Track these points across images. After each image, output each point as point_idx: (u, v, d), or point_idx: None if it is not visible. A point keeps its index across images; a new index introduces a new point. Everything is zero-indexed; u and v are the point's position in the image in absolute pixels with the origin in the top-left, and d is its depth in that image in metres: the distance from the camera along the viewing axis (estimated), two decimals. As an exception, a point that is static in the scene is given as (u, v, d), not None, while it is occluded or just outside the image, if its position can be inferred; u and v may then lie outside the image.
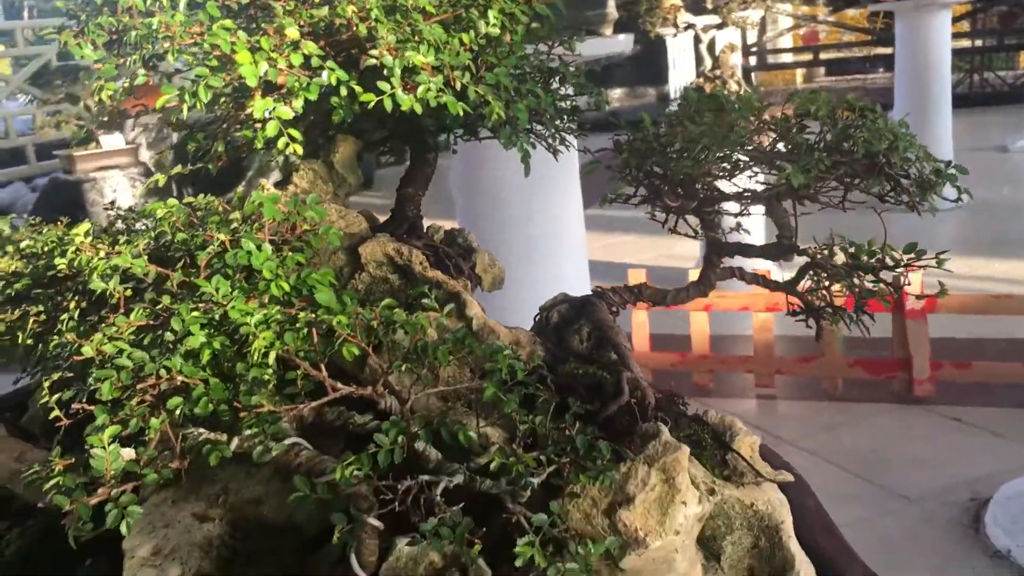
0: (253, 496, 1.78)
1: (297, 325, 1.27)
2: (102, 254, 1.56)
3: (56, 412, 1.33)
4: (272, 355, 1.25)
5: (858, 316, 1.56)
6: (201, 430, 1.32)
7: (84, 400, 1.32)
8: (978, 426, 4.72)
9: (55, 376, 1.34)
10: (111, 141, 9.19)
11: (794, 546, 1.40)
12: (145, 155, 10.00)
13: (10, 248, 1.77)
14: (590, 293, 1.67)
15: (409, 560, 1.32)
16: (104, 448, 1.18)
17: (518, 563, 1.25)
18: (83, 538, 1.34)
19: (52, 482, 1.21)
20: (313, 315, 1.29)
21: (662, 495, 1.30)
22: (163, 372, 1.26)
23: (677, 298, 1.67)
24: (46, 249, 1.77)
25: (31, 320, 1.60)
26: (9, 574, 1.87)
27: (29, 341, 1.63)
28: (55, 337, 1.40)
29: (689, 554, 1.34)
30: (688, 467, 1.31)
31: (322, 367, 1.28)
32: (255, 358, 1.24)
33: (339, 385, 1.29)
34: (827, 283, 1.60)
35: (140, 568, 1.64)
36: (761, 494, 1.42)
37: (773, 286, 1.66)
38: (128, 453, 1.22)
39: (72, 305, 1.54)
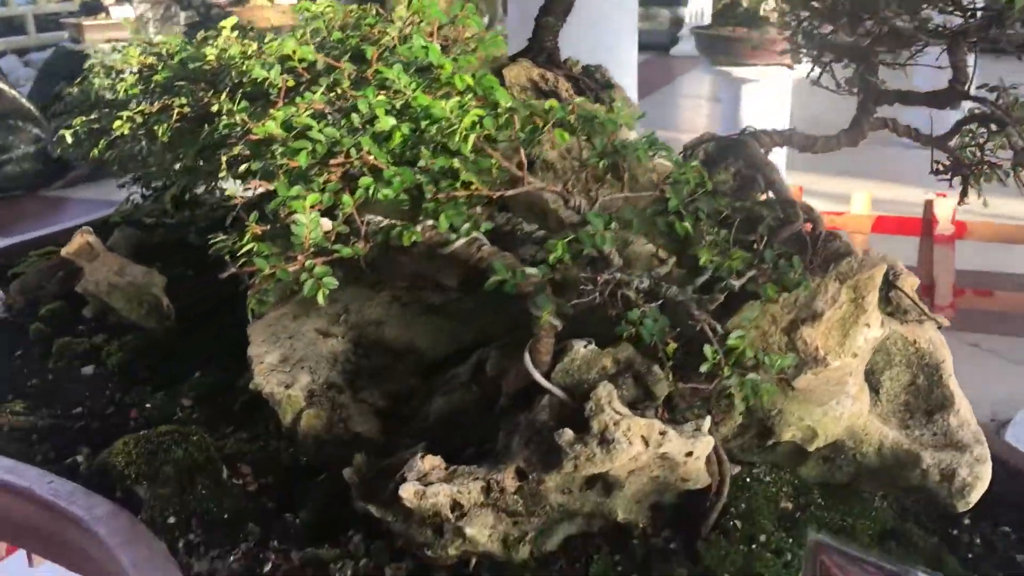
0: (374, 318, 1.77)
1: (498, 110, 1.23)
2: (254, 47, 1.52)
3: (231, 191, 1.29)
4: (471, 140, 1.21)
5: (1015, 174, 1.55)
6: (379, 218, 1.29)
7: (261, 177, 1.29)
8: (997, 353, 4.77)
9: (235, 151, 1.30)
10: (121, 12, 8.96)
11: (953, 384, 1.40)
12: (151, 31, 9.76)
13: (142, 45, 1.72)
14: (739, 132, 1.64)
15: (583, 363, 1.31)
16: (306, 214, 1.15)
17: (703, 368, 1.24)
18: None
19: (246, 248, 1.17)
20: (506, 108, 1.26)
21: (847, 315, 1.30)
22: (354, 151, 1.23)
23: (828, 145, 1.65)
24: (177, 50, 1.71)
25: (175, 112, 1.55)
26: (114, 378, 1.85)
27: (166, 138, 1.59)
28: (223, 118, 1.35)
29: (859, 379, 1.34)
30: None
31: (521, 153, 1.25)
32: (456, 140, 1.21)
33: (532, 179, 1.27)
34: (984, 139, 1.58)
35: (270, 373, 1.62)
36: (923, 332, 1.42)
37: (924, 140, 1.64)
38: (327, 223, 1.19)
39: (223, 97, 1.49)
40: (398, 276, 1.83)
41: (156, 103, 1.58)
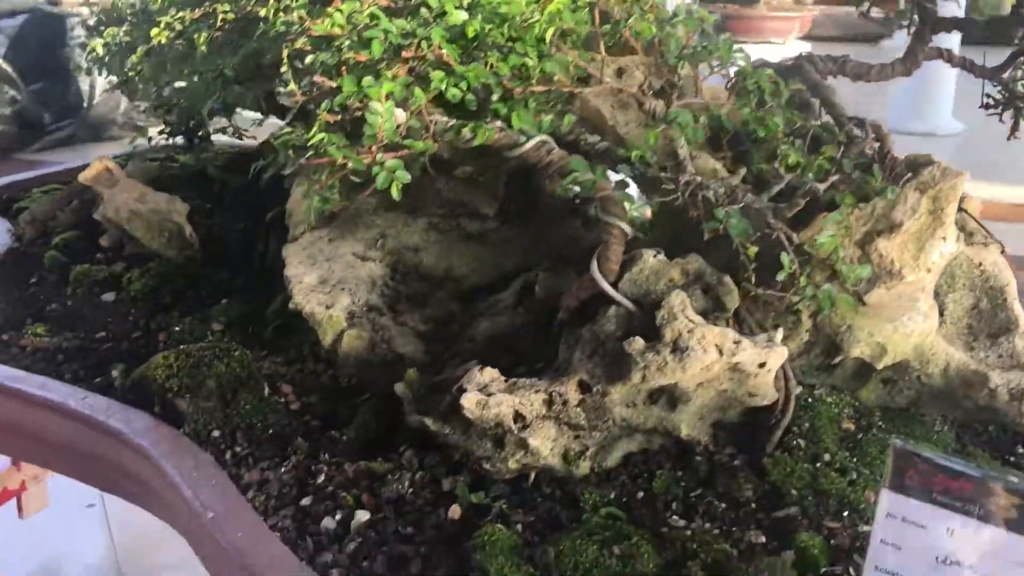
0: (411, 244, 1.73)
1: (578, 3, 1.19)
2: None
3: (293, 86, 1.24)
4: (550, 33, 1.17)
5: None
6: (446, 118, 1.24)
7: (322, 72, 1.24)
8: None
9: (297, 43, 1.25)
10: (101, -24, 8.77)
11: (1018, 308, 1.38)
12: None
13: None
14: (794, 58, 1.61)
15: (652, 273, 1.28)
16: (382, 103, 1.10)
17: (779, 277, 1.21)
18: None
19: (316, 138, 1.13)
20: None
21: (924, 227, 1.27)
22: (424, 45, 1.18)
23: (882, 74, 1.62)
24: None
25: (217, 19, 1.49)
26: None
27: (205, 46, 1.53)
28: (279, 15, 1.30)
29: (931, 297, 1.32)
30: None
31: (601, 45, 1.21)
32: (532, 36, 1.16)
33: (608, 80, 1.23)
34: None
35: (310, 293, 1.58)
36: (988, 255, 1.40)
37: (979, 72, 1.62)
38: (401, 114, 1.14)
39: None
40: (435, 204, 1.79)
41: (197, 10, 1.53)
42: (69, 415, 1.45)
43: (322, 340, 1.54)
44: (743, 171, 1.33)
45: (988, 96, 1.67)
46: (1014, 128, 1.65)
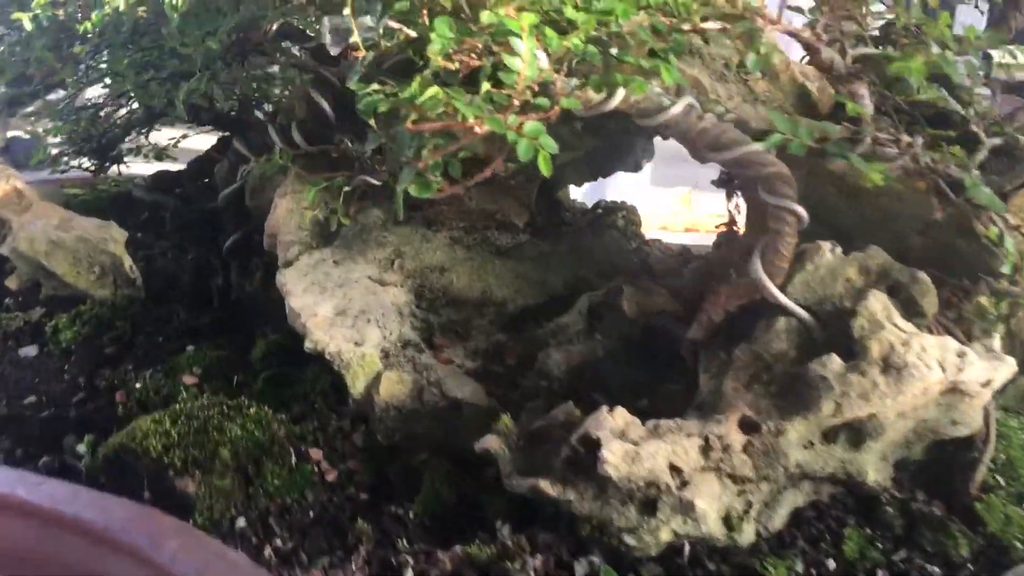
0: (435, 263, 1.39)
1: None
2: None
3: (356, 36, 0.91)
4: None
5: None
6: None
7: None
8: None
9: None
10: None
11: None
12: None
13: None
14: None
15: (828, 273, 1.00)
16: (525, 38, 0.78)
17: (1004, 268, 0.95)
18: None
19: (428, 94, 0.79)
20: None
21: None
22: None
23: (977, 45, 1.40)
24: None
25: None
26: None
27: (185, 6, 1.17)
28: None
29: None
30: None
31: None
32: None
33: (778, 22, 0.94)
34: None
35: (330, 328, 1.22)
36: None
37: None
38: (544, 59, 0.82)
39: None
40: (456, 215, 1.46)
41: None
42: (19, 511, 1.04)
43: (350, 387, 1.18)
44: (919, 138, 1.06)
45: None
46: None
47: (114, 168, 1.99)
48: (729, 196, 1.34)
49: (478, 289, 1.38)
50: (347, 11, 0.89)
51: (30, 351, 1.45)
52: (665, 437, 0.96)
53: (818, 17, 1.07)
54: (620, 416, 0.98)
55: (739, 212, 1.36)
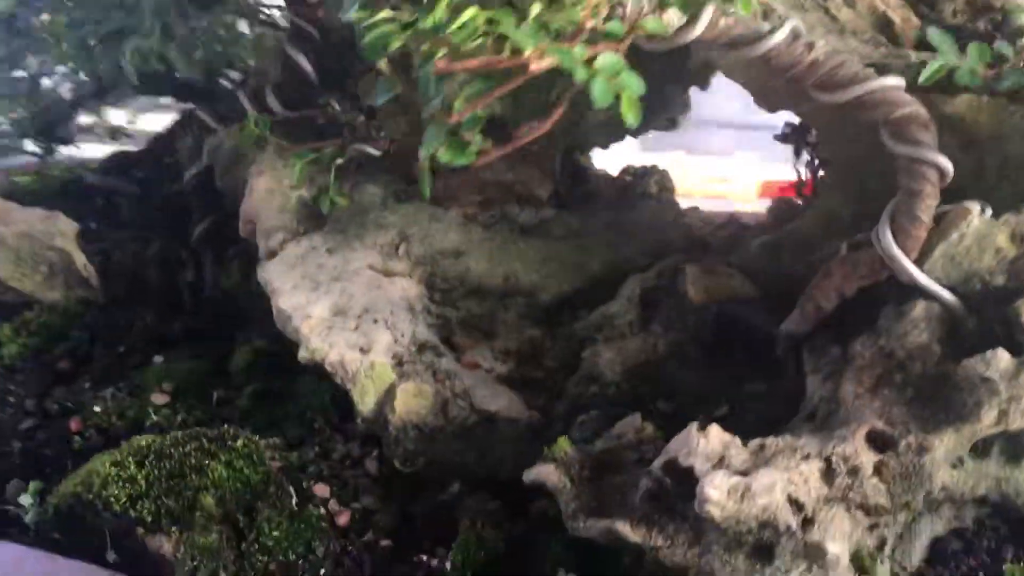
0: (448, 246, 1.16)
1: None
2: None
3: None
4: None
5: None
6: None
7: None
8: None
9: None
10: None
11: None
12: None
13: None
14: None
15: (975, 242, 0.78)
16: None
17: None
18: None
19: (463, 18, 0.56)
20: None
21: None
22: None
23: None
24: None
25: None
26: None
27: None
28: None
29: None
30: None
31: None
32: None
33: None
34: None
35: (328, 332, 0.99)
36: None
37: None
38: None
39: None
40: (467, 188, 1.23)
41: None
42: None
43: (358, 404, 0.96)
44: None
45: None
46: None
47: (64, 151, 1.74)
48: (797, 153, 1.12)
49: (500, 275, 1.15)
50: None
51: (-34, 370, 1.21)
52: (776, 462, 0.75)
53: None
54: (715, 436, 0.76)
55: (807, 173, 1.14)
